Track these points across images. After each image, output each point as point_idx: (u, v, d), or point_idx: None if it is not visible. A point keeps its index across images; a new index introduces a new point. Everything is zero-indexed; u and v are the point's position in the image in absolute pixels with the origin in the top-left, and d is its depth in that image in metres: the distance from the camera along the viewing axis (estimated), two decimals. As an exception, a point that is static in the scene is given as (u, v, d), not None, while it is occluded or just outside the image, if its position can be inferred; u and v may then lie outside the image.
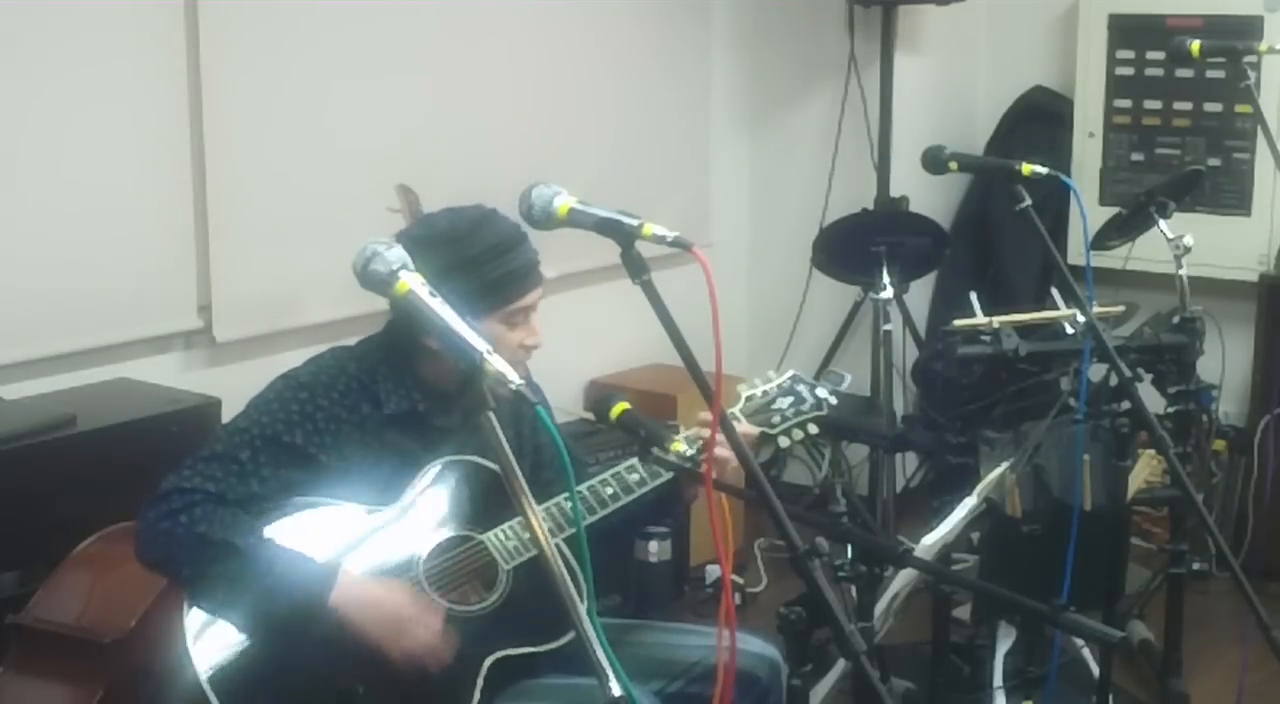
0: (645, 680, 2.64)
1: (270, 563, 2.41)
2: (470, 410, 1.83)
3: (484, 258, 2.55)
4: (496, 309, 2.57)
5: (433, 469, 2.58)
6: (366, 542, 2.53)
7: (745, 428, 2.74)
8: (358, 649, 2.44)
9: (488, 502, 2.58)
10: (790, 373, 2.86)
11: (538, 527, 1.84)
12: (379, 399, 2.59)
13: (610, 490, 2.65)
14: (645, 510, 2.77)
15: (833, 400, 2.84)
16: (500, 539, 2.58)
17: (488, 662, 2.53)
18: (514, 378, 1.82)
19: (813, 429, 2.84)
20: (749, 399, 2.81)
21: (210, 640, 2.44)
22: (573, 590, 1.82)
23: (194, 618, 2.44)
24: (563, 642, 2.53)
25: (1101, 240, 3.85)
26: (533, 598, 2.52)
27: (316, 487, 2.52)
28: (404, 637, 2.45)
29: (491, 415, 1.83)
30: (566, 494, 2.59)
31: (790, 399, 2.82)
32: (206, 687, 2.40)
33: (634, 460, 2.64)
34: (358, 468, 2.55)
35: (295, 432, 2.51)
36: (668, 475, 2.65)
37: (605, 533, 2.67)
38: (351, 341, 2.71)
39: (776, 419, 2.80)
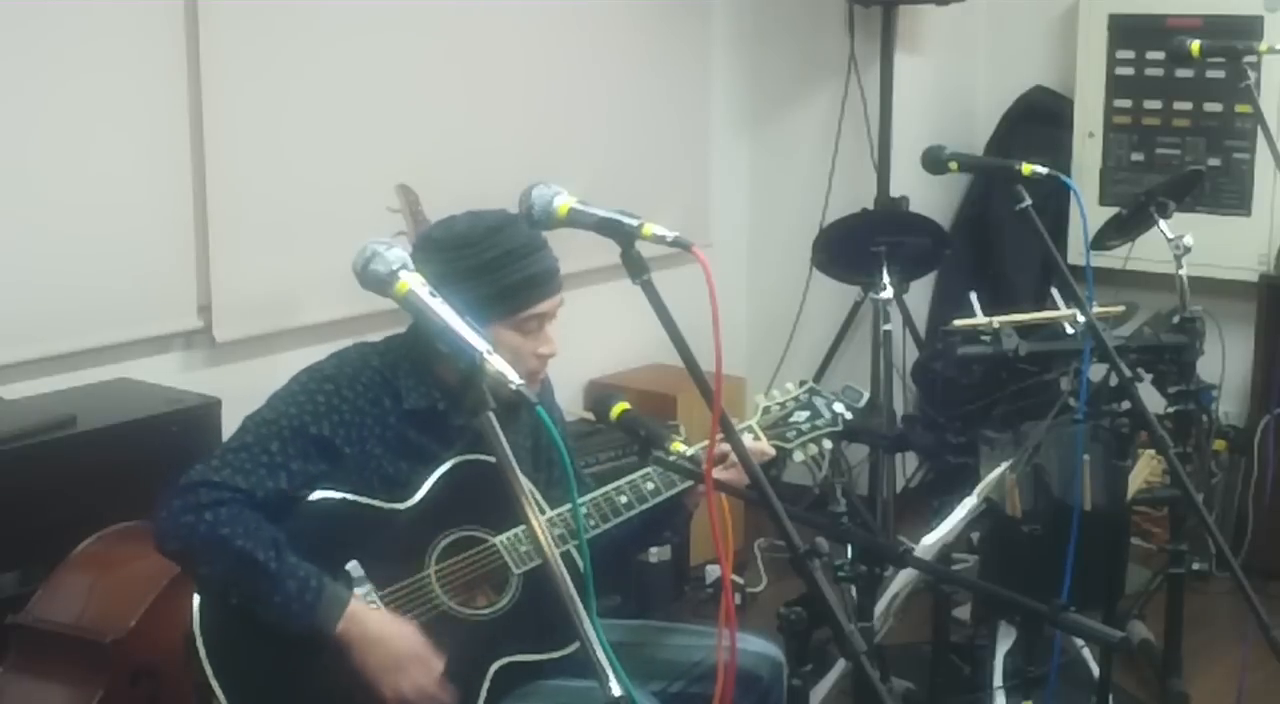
0: (646, 681, 2.63)
1: (284, 581, 2.40)
2: (471, 410, 1.83)
3: (499, 263, 2.54)
4: (510, 315, 2.55)
5: (449, 466, 2.57)
6: (380, 538, 2.52)
7: (763, 447, 2.75)
8: (355, 677, 2.44)
9: (503, 503, 2.58)
10: (807, 386, 2.87)
11: (537, 527, 1.84)
12: (399, 394, 2.58)
13: (624, 499, 2.64)
14: (650, 524, 2.76)
15: (848, 416, 2.85)
16: (513, 542, 2.58)
17: (494, 667, 2.53)
18: (514, 378, 1.82)
19: (827, 444, 2.85)
20: (765, 411, 2.82)
21: (217, 631, 2.44)
22: (575, 593, 1.82)
23: (200, 604, 2.45)
24: (570, 650, 2.53)
25: (1101, 240, 3.86)
26: (542, 604, 2.51)
27: (338, 480, 2.51)
28: (401, 677, 2.44)
29: (491, 415, 1.83)
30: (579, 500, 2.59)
31: (807, 413, 2.84)
32: (212, 679, 2.41)
33: (649, 469, 2.63)
34: (376, 462, 2.55)
35: (322, 423, 2.50)
36: (683, 485, 2.65)
37: (609, 547, 2.67)
38: (352, 341, 2.71)
39: (792, 433, 2.81)
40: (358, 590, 2.48)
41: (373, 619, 2.46)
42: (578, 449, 4.03)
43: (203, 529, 2.41)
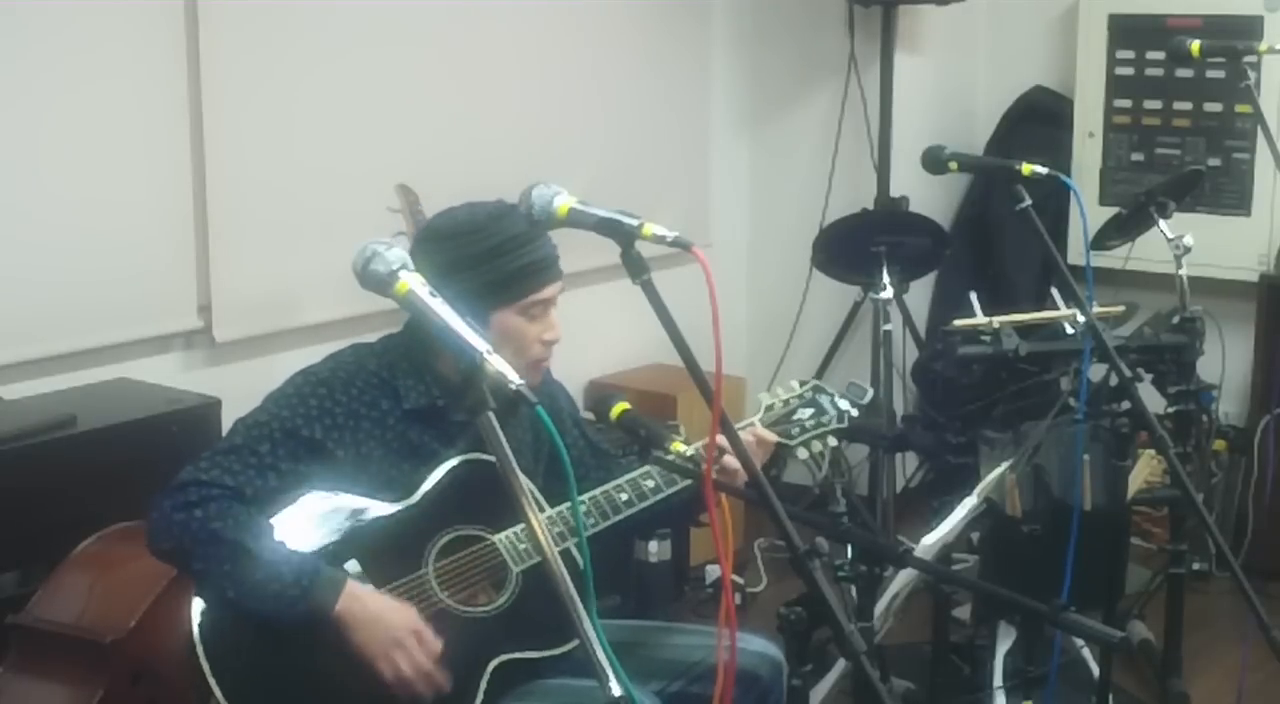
0: (646, 680, 2.63)
1: (279, 568, 2.40)
2: (471, 410, 1.83)
3: (502, 249, 2.55)
4: (515, 301, 2.57)
5: (449, 465, 2.57)
6: (379, 537, 2.52)
7: (761, 432, 2.75)
8: (354, 661, 2.44)
9: (503, 501, 2.58)
10: (812, 383, 2.87)
11: (536, 526, 1.84)
12: (399, 394, 2.58)
13: (624, 497, 2.64)
14: (665, 514, 2.76)
15: (854, 413, 2.84)
16: (512, 541, 2.58)
17: (492, 665, 2.53)
18: (514, 378, 1.82)
19: (832, 441, 2.85)
20: (769, 408, 2.82)
21: (215, 631, 2.43)
22: (574, 591, 1.82)
23: (201, 608, 2.44)
24: (568, 648, 2.53)
25: (1101, 240, 3.85)
26: (541, 602, 2.49)
27: (332, 481, 2.51)
28: (399, 654, 2.44)
29: (491, 415, 1.83)
30: (579, 498, 2.59)
31: (811, 410, 2.83)
32: (210, 679, 2.41)
33: (650, 468, 2.63)
34: (376, 464, 2.54)
35: (314, 426, 2.50)
36: (683, 484, 2.64)
37: (620, 531, 2.66)
38: (351, 341, 2.70)
39: (796, 430, 2.81)
40: None
41: (371, 598, 2.46)
42: (601, 442, 4.01)
43: (194, 526, 2.41)
